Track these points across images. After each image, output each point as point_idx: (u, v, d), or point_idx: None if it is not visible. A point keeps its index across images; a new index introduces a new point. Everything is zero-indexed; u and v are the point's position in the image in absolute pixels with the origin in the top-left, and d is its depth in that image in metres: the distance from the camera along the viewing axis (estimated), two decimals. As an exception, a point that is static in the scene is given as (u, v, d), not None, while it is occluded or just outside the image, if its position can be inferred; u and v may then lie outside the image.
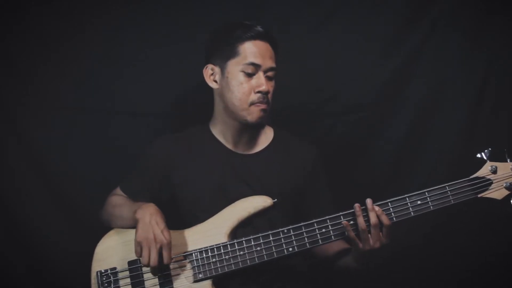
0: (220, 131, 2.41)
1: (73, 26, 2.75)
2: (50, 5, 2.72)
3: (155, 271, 2.16)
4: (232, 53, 2.27)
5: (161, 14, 2.79)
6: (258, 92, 2.27)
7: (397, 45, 2.84)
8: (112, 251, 2.27)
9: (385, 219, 2.12)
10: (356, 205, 2.15)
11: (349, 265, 2.27)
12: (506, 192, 2.13)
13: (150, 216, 2.15)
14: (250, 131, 2.37)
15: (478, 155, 2.19)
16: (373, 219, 2.12)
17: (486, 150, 2.18)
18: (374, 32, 2.83)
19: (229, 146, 2.39)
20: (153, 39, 2.80)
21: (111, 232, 2.33)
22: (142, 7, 2.79)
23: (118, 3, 2.78)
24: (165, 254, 2.12)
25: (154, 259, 2.11)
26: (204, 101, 2.48)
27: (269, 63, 2.29)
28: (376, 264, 2.70)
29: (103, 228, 2.38)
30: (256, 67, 2.27)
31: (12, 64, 2.73)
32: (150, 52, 2.80)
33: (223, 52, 2.30)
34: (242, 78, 2.27)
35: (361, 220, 2.13)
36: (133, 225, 2.20)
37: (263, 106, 2.29)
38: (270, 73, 2.30)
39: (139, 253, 2.13)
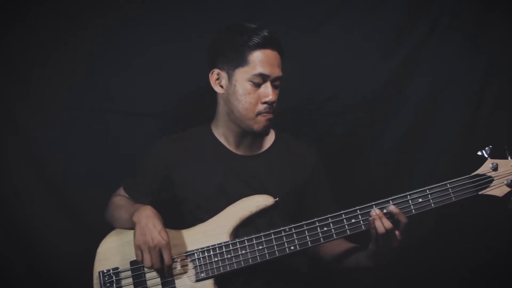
0: (222, 133, 2.40)
1: (73, 26, 2.74)
2: (50, 5, 2.71)
3: (159, 272, 2.18)
4: (241, 61, 2.24)
5: (161, 13, 2.78)
6: (265, 102, 2.25)
7: (397, 45, 2.84)
8: (114, 251, 2.27)
9: (402, 218, 2.11)
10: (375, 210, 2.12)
11: (360, 264, 2.25)
12: (507, 189, 2.12)
13: (146, 219, 2.16)
14: (253, 135, 2.36)
15: (479, 153, 2.18)
16: (386, 223, 2.09)
17: (486, 148, 2.18)
18: (374, 32, 2.83)
19: (230, 148, 2.39)
20: (153, 39, 2.80)
21: (113, 233, 2.34)
22: (142, 7, 2.79)
23: (118, 3, 2.77)
24: (165, 255, 2.14)
25: (156, 262, 2.13)
26: (204, 101, 2.47)
27: (277, 72, 2.27)
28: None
29: (103, 228, 2.38)
30: (265, 77, 2.24)
31: (12, 64, 2.72)
32: (150, 52, 2.80)
33: (232, 59, 2.26)
34: (250, 88, 2.25)
35: (379, 224, 2.09)
36: (132, 227, 2.21)
37: (269, 116, 2.28)
38: (277, 82, 2.29)
39: (140, 256, 2.15)
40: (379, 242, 2.11)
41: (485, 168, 2.16)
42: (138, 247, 2.14)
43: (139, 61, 2.79)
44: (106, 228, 2.38)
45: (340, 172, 2.78)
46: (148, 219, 2.16)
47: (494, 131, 2.79)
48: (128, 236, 2.27)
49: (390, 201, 2.15)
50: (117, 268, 2.24)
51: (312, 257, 2.41)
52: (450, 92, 2.85)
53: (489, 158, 2.17)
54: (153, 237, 2.12)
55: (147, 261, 2.13)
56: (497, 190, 2.13)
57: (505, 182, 2.13)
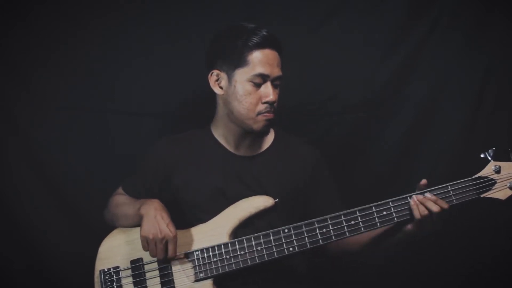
0: (222, 134, 2.40)
1: (73, 26, 2.75)
2: (50, 5, 2.72)
3: (161, 264, 2.21)
4: (240, 62, 2.23)
5: (161, 13, 2.78)
6: (266, 102, 2.25)
7: (397, 45, 2.83)
8: (115, 251, 2.29)
9: (442, 204, 2.11)
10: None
11: (400, 241, 2.24)
12: (510, 192, 2.09)
13: (155, 211, 2.18)
14: (253, 136, 2.36)
15: (482, 155, 2.15)
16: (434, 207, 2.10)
17: (490, 150, 2.15)
18: (374, 32, 2.82)
19: (230, 148, 2.39)
20: (153, 39, 2.79)
21: (115, 232, 2.35)
22: (142, 7, 2.79)
23: (118, 3, 2.77)
24: (170, 247, 2.16)
25: (160, 253, 2.15)
26: (205, 102, 2.47)
27: (277, 71, 2.26)
28: (378, 264, 2.73)
29: (103, 228, 2.39)
30: (265, 77, 2.24)
31: (12, 64, 2.73)
32: (150, 52, 2.80)
33: (231, 60, 2.25)
34: (250, 88, 2.24)
35: (423, 209, 2.11)
36: (138, 223, 2.22)
37: (269, 116, 2.27)
38: (277, 82, 2.28)
39: (146, 247, 2.16)
40: (420, 224, 2.12)
41: (488, 171, 2.13)
42: (145, 238, 2.15)
43: (139, 61, 2.79)
44: (106, 228, 2.39)
45: (340, 172, 2.76)
46: (157, 211, 2.18)
47: (494, 131, 2.78)
48: (130, 235, 2.29)
49: (390, 203, 2.15)
50: (117, 267, 2.25)
51: (335, 257, 2.43)
52: (450, 92, 2.84)
53: (492, 160, 2.14)
54: (161, 229, 2.14)
55: (153, 251, 2.15)
56: (499, 193, 2.10)
57: (508, 185, 2.10)
